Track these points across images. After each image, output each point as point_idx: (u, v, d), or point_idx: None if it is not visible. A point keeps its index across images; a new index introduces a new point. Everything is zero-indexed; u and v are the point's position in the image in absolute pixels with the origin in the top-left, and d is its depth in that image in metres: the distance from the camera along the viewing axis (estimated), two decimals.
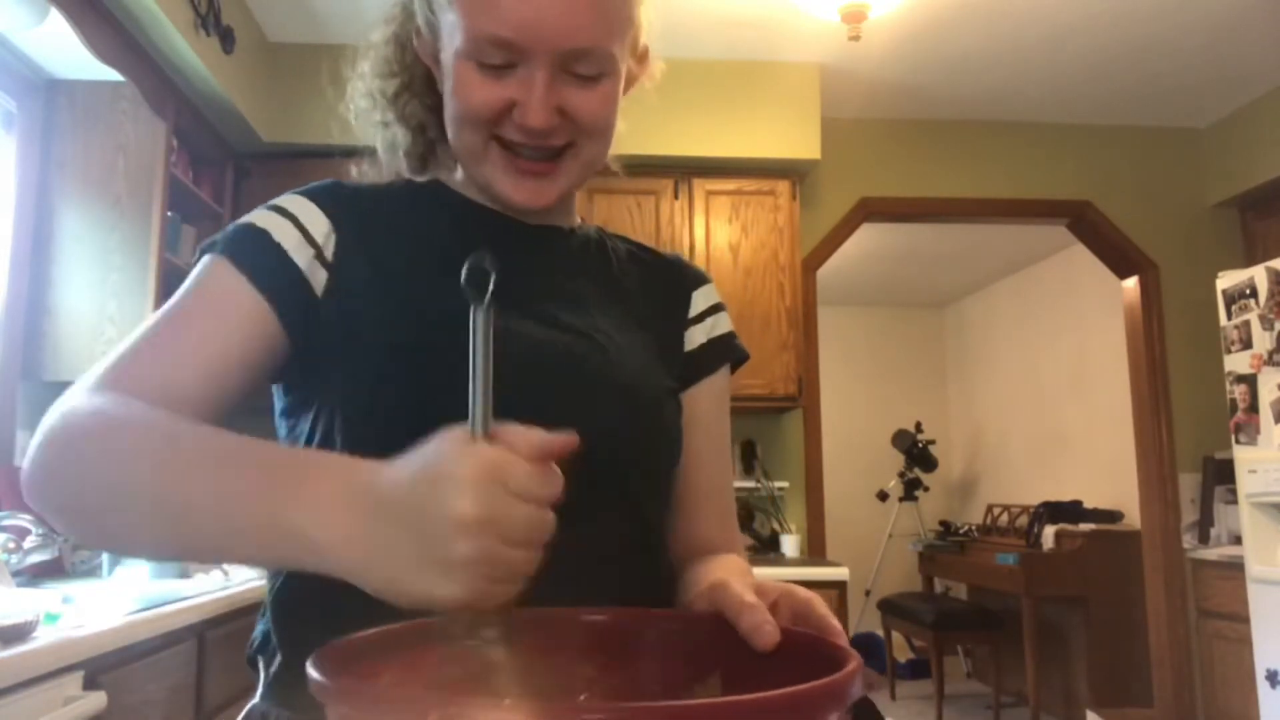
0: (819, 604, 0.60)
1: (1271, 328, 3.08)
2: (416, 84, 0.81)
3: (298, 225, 0.72)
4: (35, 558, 2.04)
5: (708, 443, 0.84)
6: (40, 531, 2.06)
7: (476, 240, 0.75)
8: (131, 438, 0.56)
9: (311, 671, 0.43)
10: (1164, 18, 3.14)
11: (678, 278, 0.89)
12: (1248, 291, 3.18)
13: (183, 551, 0.58)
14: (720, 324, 0.88)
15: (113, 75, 2.45)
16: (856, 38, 2.96)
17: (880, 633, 5.36)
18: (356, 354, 0.68)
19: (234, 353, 0.67)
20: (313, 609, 0.63)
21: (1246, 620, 3.10)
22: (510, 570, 0.46)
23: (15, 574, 1.97)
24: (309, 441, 0.71)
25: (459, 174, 0.82)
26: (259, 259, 0.69)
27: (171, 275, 2.69)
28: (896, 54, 3.37)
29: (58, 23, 2.21)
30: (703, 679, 0.57)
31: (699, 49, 3.33)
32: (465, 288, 0.48)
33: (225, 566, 2.43)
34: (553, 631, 0.56)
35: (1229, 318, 3.26)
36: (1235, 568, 3.24)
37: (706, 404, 0.85)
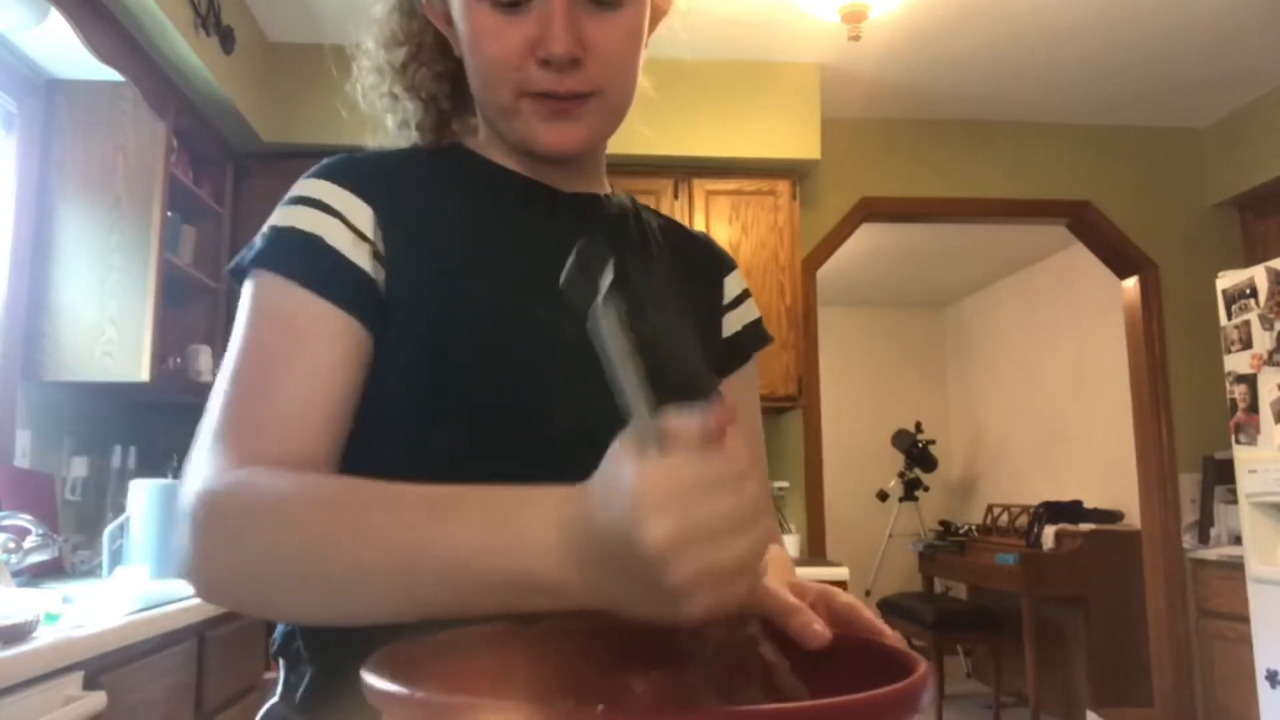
0: (863, 609, 0.58)
1: (1271, 328, 3.08)
2: (425, 52, 0.78)
3: (345, 222, 0.67)
4: (35, 558, 2.04)
5: (741, 433, 0.81)
6: (40, 532, 2.06)
7: (511, 208, 0.74)
8: (283, 515, 0.54)
9: (374, 681, 0.41)
10: (1164, 18, 3.14)
11: (711, 260, 0.87)
12: (1248, 291, 3.18)
13: (378, 621, 0.54)
14: (751, 310, 0.87)
15: (113, 75, 2.45)
16: (856, 38, 2.96)
17: None
18: (409, 344, 0.65)
19: (340, 383, 0.64)
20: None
21: (1246, 620, 3.10)
22: (738, 564, 0.43)
23: (15, 574, 1.97)
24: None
25: (480, 137, 0.79)
26: (323, 271, 0.65)
27: (171, 275, 2.69)
28: (896, 54, 3.37)
29: (58, 23, 2.21)
30: (754, 682, 0.55)
31: (699, 49, 3.33)
32: (574, 281, 0.45)
33: None
34: (590, 641, 0.54)
35: (1229, 318, 3.26)
36: (1235, 568, 3.24)
37: (739, 393, 0.83)
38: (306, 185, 0.69)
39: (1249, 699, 3.14)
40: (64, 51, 2.43)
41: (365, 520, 0.52)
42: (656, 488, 0.42)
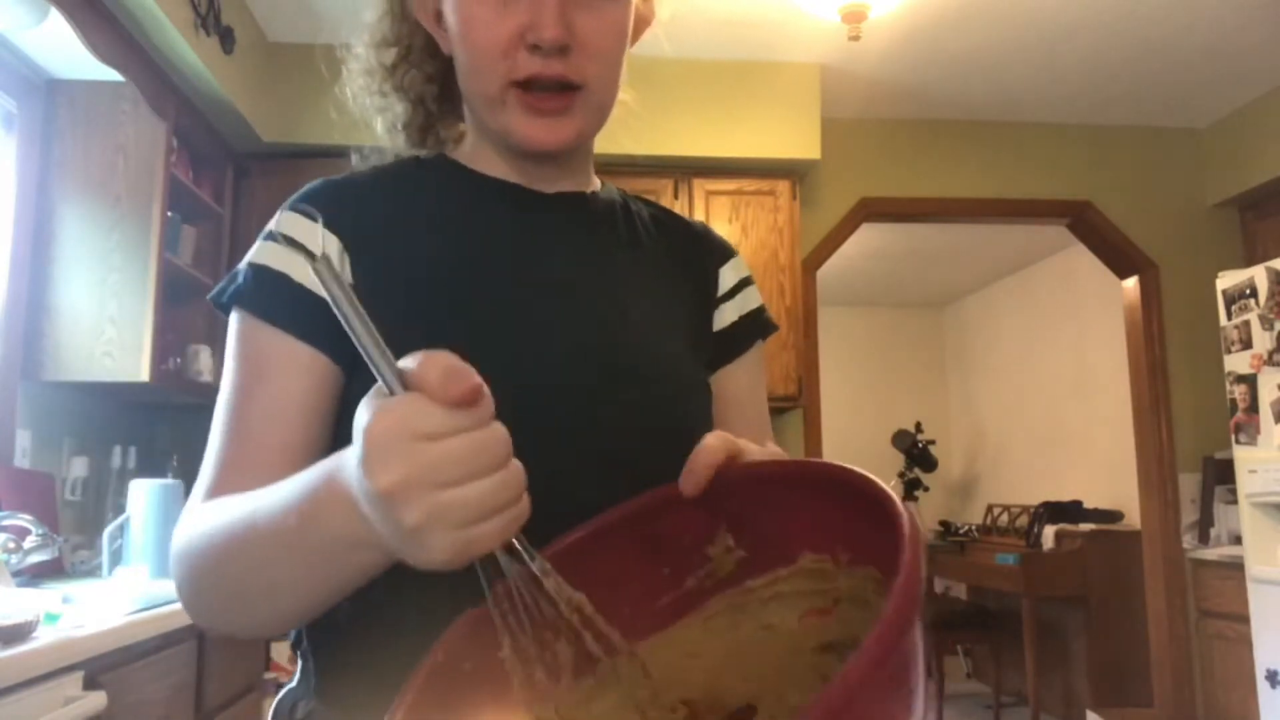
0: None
1: (1271, 328, 3.08)
2: (415, 54, 0.80)
3: (310, 256, 0.69)
4: (35, 558, 2.04)
5: (743, 421, 0.81)
6: (40, 532, 2.06)
7: (492, 215, 0.75)
8: (222, 549, 0.59)
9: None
10: (1164, 18, 3.14)
11: (705, 251, 0.86)
12: (1248, 291, 3.18)
13: (311, 611, 0.59)
14: (751, 299, 0.86)
15: (113, 75, 2.45)
16: (856, 38, 2.96)
17: None
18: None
19: (300, 414, 0.67)
20: (346, 624, 0.66)
21: (1246, 620, 3.10)
22: (477, 508, 0.44)
23: (15, 574, 1.97)
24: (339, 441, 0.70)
25: (466, 145, 0.80)
26: (288, 306, 0.68)
27: (171, 275, 2.69)
28: (896, 54, 3.37)
29: (58, 23, 2.21)
30: (713, 537, 0.56)
31: (699, 49, 3.33)
32: (295, 248, 0.47)
33: None
34: (574, 558, 0.55)
35: (1229, 318, 3.26)
36: (1235, 568, 3.24)
37: (741, 382, 0.83)
38: (279, 219, 0.71)
39: (1249, 699, 3.14)
40: (64, 51, 2.43)
41: (236, 543, 0.57)
42: (383, 433, 0.43)
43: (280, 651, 2.56)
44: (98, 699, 1.46)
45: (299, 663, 0.73)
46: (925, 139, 3.89)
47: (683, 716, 0.53)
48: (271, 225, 0.71)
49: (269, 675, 2.48)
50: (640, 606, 0.56)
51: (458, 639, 0.52)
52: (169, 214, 2.67)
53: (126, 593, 1.92)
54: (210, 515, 0.60)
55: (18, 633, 1.33)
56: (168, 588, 2.08)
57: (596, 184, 0.84)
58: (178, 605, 1.83)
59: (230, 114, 2.97)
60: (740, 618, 0.56)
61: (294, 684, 0.73)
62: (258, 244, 0.71)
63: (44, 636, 1.39)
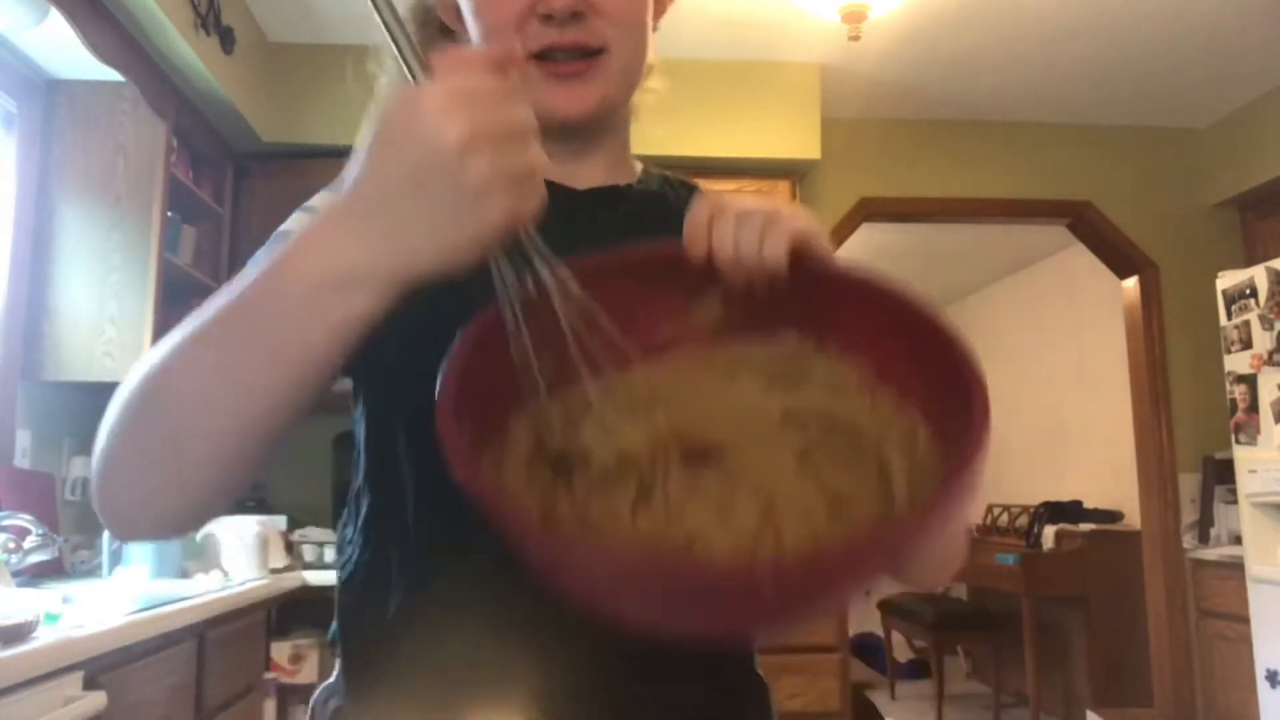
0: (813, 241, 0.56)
1: (1271, 328, 3.08)
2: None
3: None
4: (35, 558, 2.04)
5: None
6: (40, 532, 2.06)
7: None
8: (174, 359, 0.52)
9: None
10: (1164, 18, 3.14)
11: None
12: (1248, 291, 3.18)
13: (257, 417, 0.51)
14: None
15: (113, 75, 2.45)
16: (856, 38, 2.95)
17: (880, 633, 5.36)
18: (396, 355, 0.62)
19: None
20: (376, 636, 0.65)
21: (1246, 620, 3.10)
22: (526, 165, 0.45)
23: (15, 574, 1.97)
24: (370, 444, 0.69)
25: None
26: None
27: (172, 275, 2.69)
28: (896, 54, 3.37)
29: (58, 23, 2.21)
30: (702, 296, 0.57)
31: (699, 49, 3.33)
32: None
33: (225, 567, 2.43)
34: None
35: (1229, 318, 3.26)
36: (1235, 568, 3.24)
37: None
38: (317, 197, 0.70)
39: (1249, 699, 3.14)
40: (64, 51, 2.42)
41: (190, 344, 0.51)
42: (437, 97, 0.43)
43: (280, 651, 2.56)
44: (98, 699, 1.46)
45: (337, 661, 0.73)
46: (925, 139, 3.89)
47: (664, 428, 0.54)
48: (308, 201, 0.70)
49: (269, 675, 2.48)
50: (612, 340, 0.56)
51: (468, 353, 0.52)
52: (169, 214, 2.67)
53: (126, 593, 1.93)
54: (164, 342, 0.54)
55: (18, 633, 1.33)
56: (168, 588, 2.09)
57: (636, 170, 0.80)
58: (178, 605, 1.83)
59: (230, 114, 2.97)
60: (707, 373, 0.57)
61: (331, 680, 0.73)
62: (292, 215, 0.69)
63: (44, 636, 1.39)
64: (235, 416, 0.51)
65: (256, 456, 0.53)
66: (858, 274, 0.53)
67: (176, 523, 0.58)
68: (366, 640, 0.67)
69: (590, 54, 0.67)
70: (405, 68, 0.46)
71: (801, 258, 0.54)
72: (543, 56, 0.66)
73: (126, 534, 0.60)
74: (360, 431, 0.70)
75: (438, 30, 0.77)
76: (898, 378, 0.51)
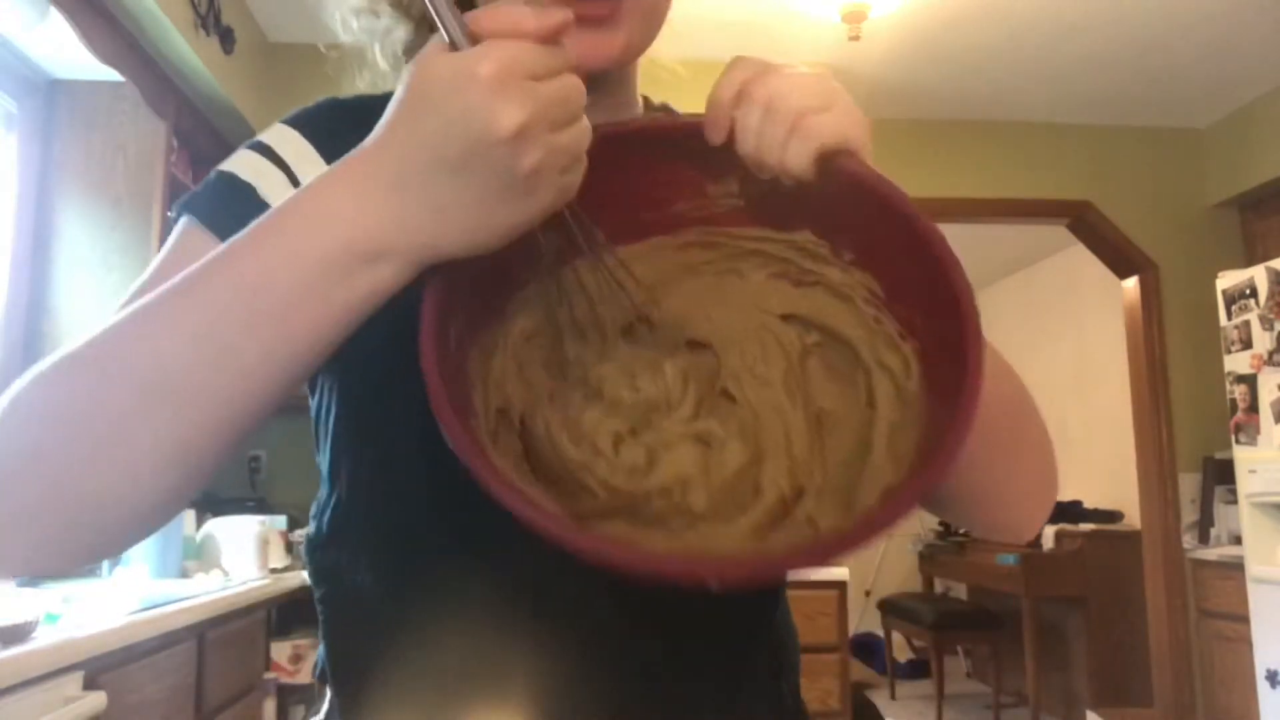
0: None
1: (1271, 328, 3.08)
2: None
3: (289, 175, 0.59)
4: None
5: None
6: None
7: None
8: (140, 321, 0.46)
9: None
10: (1164, 17, 3.14)
11: None
12: (1248, 291, 3.18)
13: (245, 404, 0.44)
14: None
15: (113, 75, 2.45)
16: (857, 38, 2.96)
17: (880, 633, 5.36)
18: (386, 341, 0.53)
19: None
20: (364, 657, 0.59)
21: (1246, 620, 3.10)
22: (574, 152, 0.43)
23: None
24: (326, 417, 0.61)
25: None
26: (243, 221, 0.53)
27: None
28: (896, 54, 3.37)
29: (58, 23, 2.21)
30: (720, 177, 0.55)
31: (699, 49, 3.32)
32: None
33: (225, 567, 2.43)
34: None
35: (1229, 318, 3.26)
36: (1235, 568, 3.24)
37: None
38: (269, 130, 0.62)
39: (1249, 699, 3.14)
40: (64, 51, 2.42)
41: (167, 305, 0.45)
42: (490, 72, 0.40)
43: (280, 651, 2.56)
44: (98, 699, 1.46)
45: (327, 693, 0.67)
46: (925, 139, 3.89)
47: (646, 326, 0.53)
48: (257, 136, 0.62)
49: (269, 675, 2.48)
50: (624, 215, 0.55)
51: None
52: (169, 214, 2.66)
53: (126, 593, 1.92)
54: (107, 326, 0.47)
55: (18, 633, 1.33)
56: (168, 588, 2.08)
57: (640, 107, 0.72)
58: (178, 605, 1.83)
59: (230, 114, 2.97)
60: (712, 254, 0.56)
61: (321, 716, 0.67)
62: (236, 152, 0.61)
63: (44, 636, 1.39)
64: (220, 404, 0.44)
65: (218, 455, 0.45)
66: (885, 191, 0.50)
67: (88, 546, 0.46)
68: (359, 677, 0.61)
69: None
70: (444, 28, 0.42)
71: (831, 163, 0.50)
72: None
73: (12, 565, 0.46)
74: (330, 426, 0.62)
75: None
76: (905, 305, 0.50)
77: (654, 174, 0.55)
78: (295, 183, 0.59)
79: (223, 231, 0.54)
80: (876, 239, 0.51)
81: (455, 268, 0.46)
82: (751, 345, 0.52)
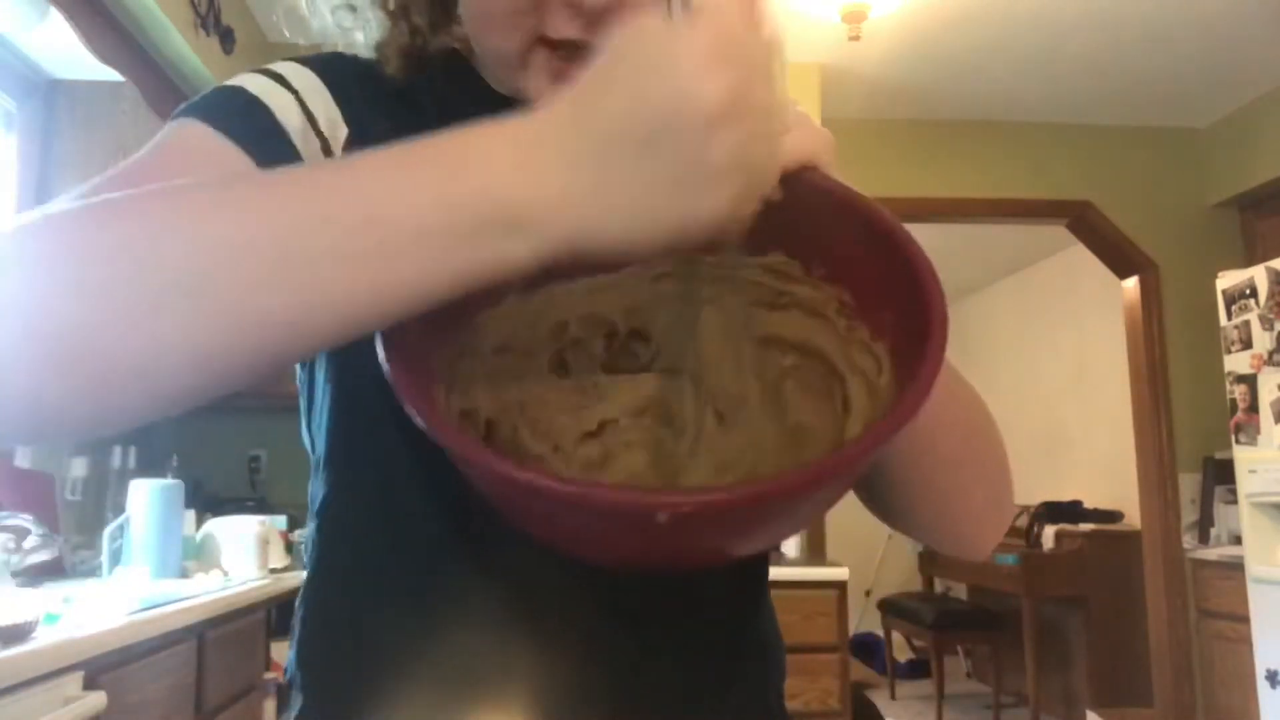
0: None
1: (1271, 328, 3.08)
2: None
3: (302, 105, 0.55)
4: (35, 558, 2.04)
5: None
6: (40, 532, 2.06)
7: None
8: (216, 199, 0.38)
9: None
10: (1164, 18, 3.14)
11: None
12: (1248, 291, 3.18)
13: (299, 334, 0.38)
14: None
15: (113, 75, 2.45)
16: (856, 38, 2.96)
17: (880, 633, 5.36)
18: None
19: None
20: (341, 657, 0.58)
21: (1246, 620, 3.10)
22: (765, 172, 0.38)
23: (15, 574, 1.97)
24: (320, 412, 0.58)
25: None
26: (254, 128, 0.51)
27: None
28: (896, 54, 3.37)
29: (58, 23, 2.21)
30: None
31: None
32: None
33: (225, 567, 2.43)
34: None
35: (1229, 318, 3.26)
36: (1235, 568, 3.24)
37: None
38: (278, 63, 0.57)
39: (1249, 699, 3.14)
40: (64, 51, 2.42)
41: (258, 194, 0.38)
42: (708, 45, 0.35)
43: (280, 651, 2.56)
44: (98, 699, 1.46)
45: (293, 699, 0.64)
46: (925, 139, 3.89)
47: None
48: (263, 66, 0.57)
49: (269, 675, 2.48)
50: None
51: None
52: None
53: (126, 593, 1.92)
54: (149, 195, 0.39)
55: (18, 633, 1.33)
56: (167, 587, 2.08)
57: None
58: (178, 605, 1.83)
59: None
60: (687, 285, 0.56)
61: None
62: (236, 76, 0.56)
63: (44, 636, 1.39)
64: (268, 328, 0.37)
65: (245, 374, 0.38)
66: (846, 195, 0.51)
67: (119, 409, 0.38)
68: (319, 675, 0.59)
69: None
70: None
71: (797, 178, 0.49)
72: (560, 47, 0.54)
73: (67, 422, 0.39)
74: (324, 424, 0.59)
75: None
76: (876, 307, 0.51)
77: None
78: (306, 110, 0.54)
79: (239, 136, 0.50)
80: (843, 245, 0.52)
81: None
82: (728, 369, 0.53)
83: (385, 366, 0.40)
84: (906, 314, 0.48)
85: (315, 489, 0.61)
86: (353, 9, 0.63)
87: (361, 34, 0.63)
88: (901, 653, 5.57)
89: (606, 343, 0.54)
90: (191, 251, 0.36)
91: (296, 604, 0.62)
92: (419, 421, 0.39)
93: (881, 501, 0.62)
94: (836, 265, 0.53)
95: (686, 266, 0.56)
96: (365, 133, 0.55)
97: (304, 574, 0.64)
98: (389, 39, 0.61)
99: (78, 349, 0.35)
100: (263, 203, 0.37)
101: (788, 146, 0.46)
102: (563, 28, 0.52)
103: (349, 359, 0.53)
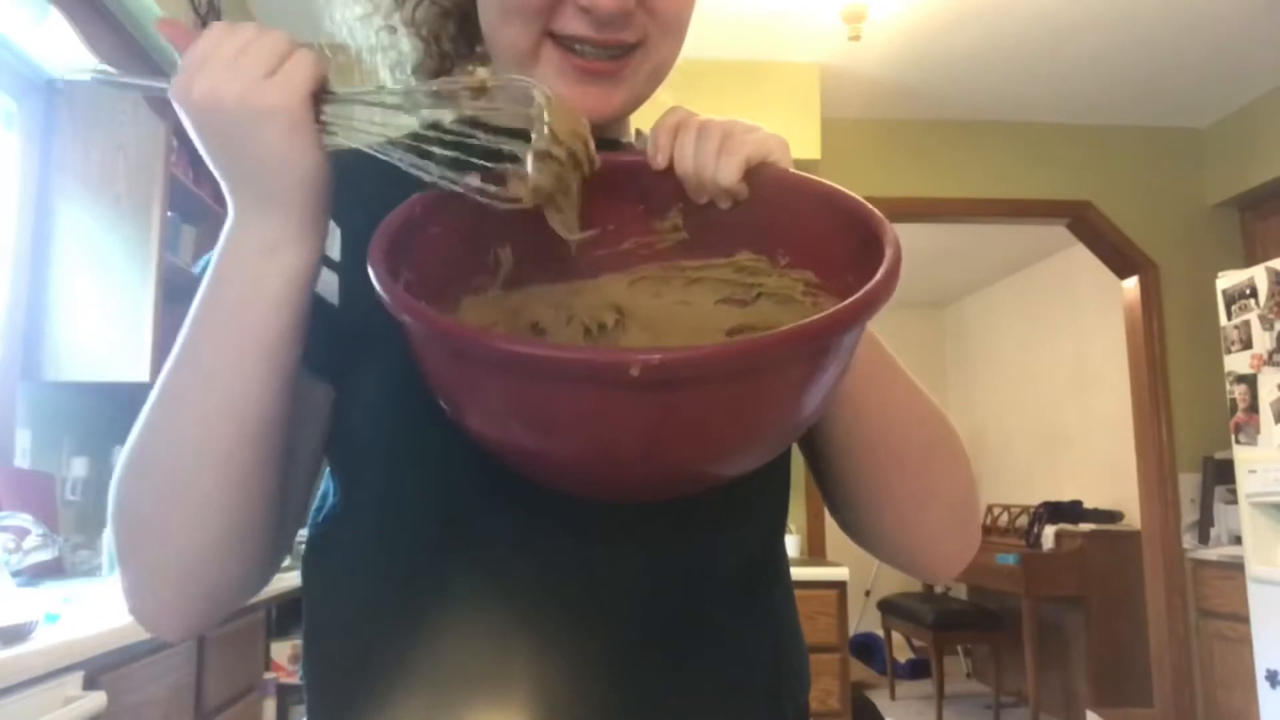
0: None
1: (1271, 328, 3.08)
2: None
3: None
4: (35, 558, 2.04)
5: None
6: (40, 532, 2.06)
7: None
8: (153, 403, 0.57)
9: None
10: (1165, 17, 3.14)
11: None
12: (1248, 291, 3.18)
13: (236, 420, 0.54)
14: None
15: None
16: (857, 38, 2.96)
17: (880, 633, 5.36)
18: (375, 357, 0.57)
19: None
20: (345, 662, 0.59)
21: (1246, 620, 3.10)
22: (271, 53, 0.52)
23: (15, 574, 1.97)
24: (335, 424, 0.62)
25: None
26: None
27: (172, 275, 2.69)
28: (896, 54, 3.38)
29: (58, 23, 2.21)
30: (665, 213, 0.59)
31: (699, 49, 3.32)
32: None
33: None
34: None
35: (1229, 318, 3.26)
36: (1235, 568, 3.24)
37: None
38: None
39: (1249, 699, 3.14)
40: (64, 51, 2.42)
41: (164, 382, 0.57)
42: (185, 76, 0.53)
43: (280, 651, 2.56)
44: (98, 699, 1.46)
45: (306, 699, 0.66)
46: (925, 139, 3.89)
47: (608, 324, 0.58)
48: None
49: (269, 675, 2.48)
50: (578, 252, 0.58)
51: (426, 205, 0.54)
52: (169, 214, 2.67)
53: None
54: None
55: (18, 633, 1.33)
56: None
57: (633, 133, 0.72)
58: None
59: None
60: (663, 288, 0.60)
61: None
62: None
63: (44, 636, 1.39)
64: (220, 419, 0.54)
65: (254, 468, 0.54)
66: (804, 183, 0.56)
67: (198, 524, 0.55)
68: (322, 677, 0.61)
69: (623, 51, 0.59)
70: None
71: (756, 173, 0.55)
72: (568, 43, 0.58)
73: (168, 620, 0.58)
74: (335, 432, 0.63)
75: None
76: (839, 277, 0.54)
77: (605, 213, 0.58)
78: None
79: None
80: (803, 227, 0.56)
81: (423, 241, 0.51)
82: None
83: (372, 271, 0.47)
84: (865, 262, 0.50)
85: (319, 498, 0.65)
86: (393, 30, 0.68)
87: (382, 58, 0.70)
88: (901, 653, 5.57)
89: (585, 340, 0.58)
90: (150, 440, 0.57)
91: (306, 603, 0.64)
92: (382, 293, 0.46)
93: (849, 512, 0.65)
94: (800, 248, 0.56)
95: (660, 270, 0.60)
96: (353, 214, 0.59)
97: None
98: (422, 62, 0.68)
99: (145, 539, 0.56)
100: (161, 385, 0.57)
101: (748, 143, 0.54)
102: (571, 25, 0.57)
103: (350, 402, 0.61)
